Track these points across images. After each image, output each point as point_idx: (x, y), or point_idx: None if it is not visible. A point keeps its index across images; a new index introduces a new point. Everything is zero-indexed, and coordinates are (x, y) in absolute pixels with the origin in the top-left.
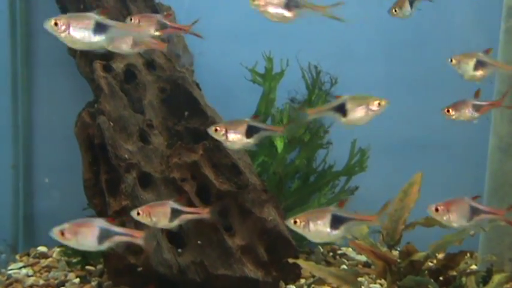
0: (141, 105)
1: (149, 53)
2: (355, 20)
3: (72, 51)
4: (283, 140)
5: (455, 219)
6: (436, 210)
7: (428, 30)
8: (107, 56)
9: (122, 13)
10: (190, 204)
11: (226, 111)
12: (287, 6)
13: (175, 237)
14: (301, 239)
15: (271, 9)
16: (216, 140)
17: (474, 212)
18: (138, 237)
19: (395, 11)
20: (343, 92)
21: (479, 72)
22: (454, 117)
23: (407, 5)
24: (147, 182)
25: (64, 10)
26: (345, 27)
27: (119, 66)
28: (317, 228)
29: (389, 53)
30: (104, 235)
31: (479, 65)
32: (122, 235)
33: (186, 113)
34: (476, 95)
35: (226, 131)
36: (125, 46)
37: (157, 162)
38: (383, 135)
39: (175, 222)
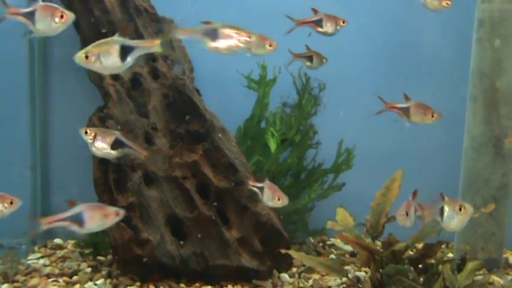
0: (146, 110)
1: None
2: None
3: None
4: (276, 141)
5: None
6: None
7: (407, 41)
8: None
9: (129, 26)
10: (191, 199)
11: (224, 114)
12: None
13: (177, 230)
14: (292, 231)
15: None
16: (214, 142)
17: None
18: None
19: None
20: (331, 97)
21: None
22: None
23: None
24: (152, 180)
25: (76, 23)
26: (332, 38)
27: (125, 74)
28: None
29: (370, 63)
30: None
31: None
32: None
33: (187, 117)
34: None
35: (95, 137)
36: None
37: (161, 162)
38: (368, 137)
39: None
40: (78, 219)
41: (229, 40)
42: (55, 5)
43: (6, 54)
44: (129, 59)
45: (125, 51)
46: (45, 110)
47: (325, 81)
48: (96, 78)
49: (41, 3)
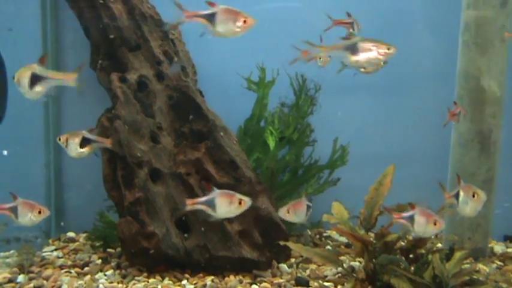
0: (151, 111)
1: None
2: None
3: (93, 65)
4: (275, 139)
5: (298, 216)
6: (288, 212)
7: (398, 42)
8: (122, 69)
9: (135, 32)
10: (195, 195)
11: (225, 114)
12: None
13: (182, 224)
14: (290, 224)
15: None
16: (217, 140)
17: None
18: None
19: None
20: (326, 97)
21: None
22: None
23: None
24: (157, 177)
25: (86, 29)
26: (327, 40)
27: (132, 77)
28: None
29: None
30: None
31: None
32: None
33: (191, 117)
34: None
35: (66, 141)
36: None
37: (166, 159)
38: (361, 135)
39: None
40: (212, 204)
41: (369, 53)
42: (236, 9)
43: (21, 57)
44: (38, 88)
45: (35, 80)
46: (58, 111)
47: (320, 82)
48: (105, 81)
49: (221, 6)
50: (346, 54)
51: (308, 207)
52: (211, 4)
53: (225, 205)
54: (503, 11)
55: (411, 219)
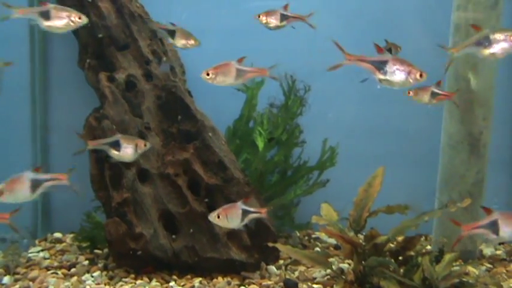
0: (140, 111)
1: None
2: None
3: (81, 64)
4: (264, 140)
5: (231, 221)
6: (218, 217)
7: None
8: (110, 68)
9: (124, 31)
10: (183, 195)
11: (214, 115)
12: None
13: (170, 225)
14: (279, 225)
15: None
16: (205, 140)
17: (244, 213)
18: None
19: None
20: (315, 98)
21: None
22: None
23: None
24: (145, 177)
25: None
26: (317, 40)
27: (121, 76)
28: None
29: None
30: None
31: None
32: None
33: (179, 117)
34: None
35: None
36: None
37: (154, 159)
38: (350, 136)
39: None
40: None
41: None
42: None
43: (8, 56)
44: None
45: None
46: (45, 111)
47: (310, 83)
48: (93, 81)
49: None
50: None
51: (245, 212)
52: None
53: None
54: (494, 13)
55: (493, 226)
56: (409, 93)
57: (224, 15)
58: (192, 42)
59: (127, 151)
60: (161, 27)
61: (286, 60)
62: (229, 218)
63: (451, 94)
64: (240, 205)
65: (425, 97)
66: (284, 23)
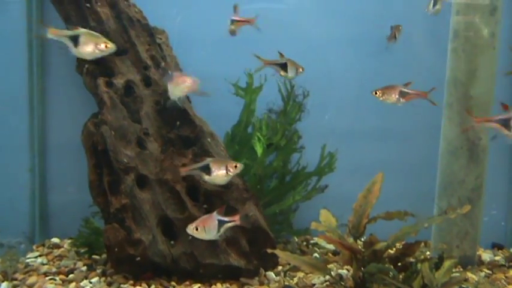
0: (138, 116)
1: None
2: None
3: (80, 69)
4: (262, 145)
5: (208, 232)
6: (196, 229)
7: (389, 49)
8: (109, 74)
9: (122, 36)
10: (181, 201)
11: (212, 120)
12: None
13: (168, 231)
14: (277, 231)
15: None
16: (204, 146)
17: (220, 224)
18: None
19: None
20: (314, 104)
21: None
22: (381, 99)
23: None
24: (144, 183)
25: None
26: (318, 46)
27: (119, 82)
28: None
29: (351, 71)
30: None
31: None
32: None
33: (178, 123)
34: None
35: None
36: None
37: (153, 165)
38: (349, 141)
39: None
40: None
41: None
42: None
43: (7, 61)
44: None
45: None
46: (43, 115)
47: (308, 88)
48: (91, 86)
49: None
50: None
51: (220, 222)
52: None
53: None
54: (493, 18)
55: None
56: (376, 93)
57: (222, 18)
58: (300, 70)
59: (218, 174)
60: (270, 62)
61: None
62: (207, 229)
63: (424, 93)
64: (215, 216)
65: (393, 96)
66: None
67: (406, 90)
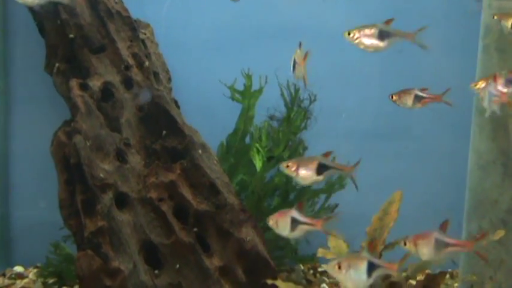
0: (118, 124)
1: None
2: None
3: (49, 69)
4: (262, 158)
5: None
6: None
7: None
8: (83, 74)
9: (100, 31)
10: (168, 224)
11: (204, 129)
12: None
13: (152, 258)
14: (280, 257)
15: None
16: (194, 159)
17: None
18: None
19: None
20: (322, 109)
21: None
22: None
23: None
24: (124, 202)
25: (41, 26)
26: (325, 44)
27: (95, 84)
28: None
29: (367, 74)
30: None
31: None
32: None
33: (164, 132)
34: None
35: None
36: None
37: (134, 181)
38: (364, 153)
39: None
40: None
41: None
42: None
43: None
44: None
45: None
46: (5, 122)
47: (315, 92)
48: (63, 89)
49: None
50: None
51: (294, 221)
52: None
53: None
54: None
55: None
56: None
57: (203, 14)
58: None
59: None
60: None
61: (288, 65)
62: (279, 224)
63: (438, 96)
64: (291, 212)
65: (408, 101)
66: None
67: (421, 94)
